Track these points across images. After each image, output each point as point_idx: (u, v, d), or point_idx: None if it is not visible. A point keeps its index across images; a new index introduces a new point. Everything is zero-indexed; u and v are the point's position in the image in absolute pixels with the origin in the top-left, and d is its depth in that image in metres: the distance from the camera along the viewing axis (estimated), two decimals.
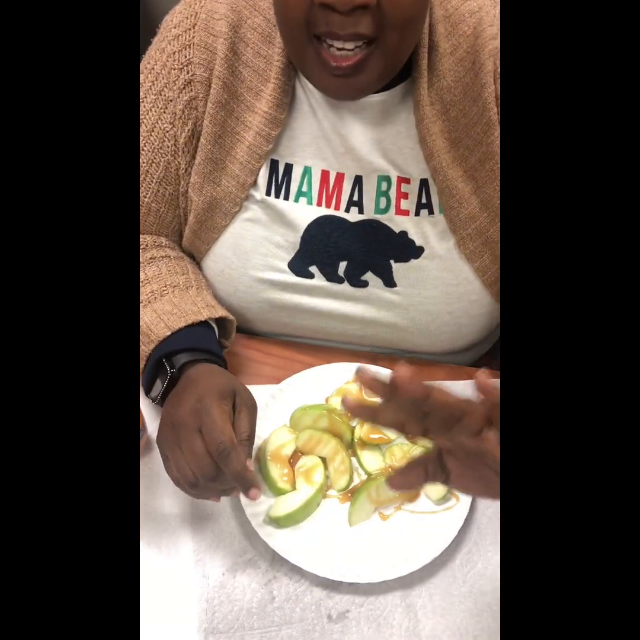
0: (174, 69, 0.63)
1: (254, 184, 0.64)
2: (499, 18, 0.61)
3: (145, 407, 0.63)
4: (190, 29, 0.63)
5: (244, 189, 0.64)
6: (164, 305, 0.63)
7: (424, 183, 0.64)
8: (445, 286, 0.66)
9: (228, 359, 0.65)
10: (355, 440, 0.62)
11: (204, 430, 0.52)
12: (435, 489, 0.59)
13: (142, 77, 0.66)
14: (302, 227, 0.65)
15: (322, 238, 0.65)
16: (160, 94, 0.65)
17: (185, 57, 0.63)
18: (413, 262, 0.65)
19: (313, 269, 0.66)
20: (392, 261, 0.65)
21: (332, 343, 0.73)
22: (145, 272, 0.66)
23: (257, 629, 0.53)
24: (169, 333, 0.61)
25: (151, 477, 0.60)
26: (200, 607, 0.54)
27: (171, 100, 0.64)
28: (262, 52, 0.62)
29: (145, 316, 0.62)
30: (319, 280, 0.67)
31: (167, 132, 0.65)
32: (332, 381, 0.67)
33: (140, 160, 0.66)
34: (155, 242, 0.70)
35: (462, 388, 0.67)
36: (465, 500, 0.58)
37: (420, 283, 0.66)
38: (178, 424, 0.54)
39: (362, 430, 0.62)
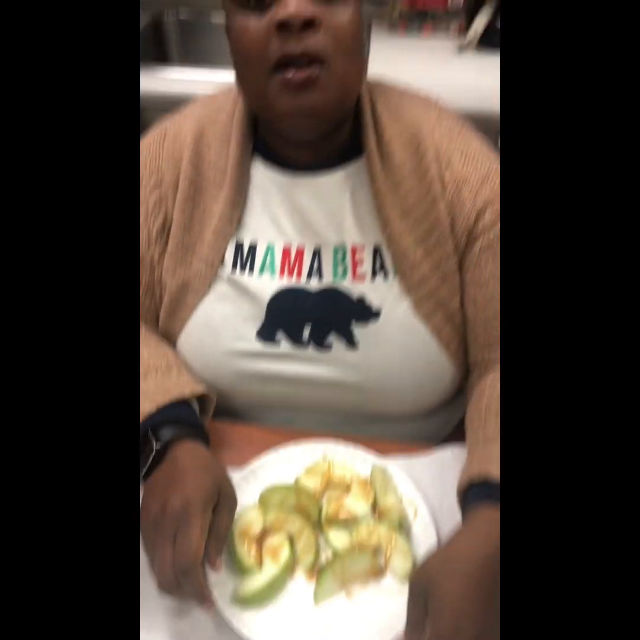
0: (145, 175, 0.72)
1: (221, 263, 0.70)
2: (433, 115, 0.71)
3: None
4: (160, 143, 0.73)
5: (212, 268, 0.70)
6: (148, 386, 0.66)
7: (377, 250, 0.70)
8: (404, 347, 0.70)
9: (211, 449, 0.66)
10: (323, 518, 0.63)
11: (177, 542, 0.53)
12: (401, 566, 0.60)
13: None
14: (267, 298, 0.70)
15: (287, 306, 0.70)
16: None
17: (156, 165, 0.72)
18: (372, 324, 0.69)
19: (279, 335, 0.71)
20: (352, 324, 0.70)
21: (300, 413, 0.75)
22: None
23: None
24: (154, 407, 0.63)
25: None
26: None
27: (143, 201, 0.72)
28: (221, 152, 0.70)
29: None
30: (285, 346, 0.71)
31: (141, 228, 0.73)
32: (301, 461, 0.69)
33: None
34: None
35: (422, 463, 0.70)
36: None
37: (380, 344, 0.70)
38: (157, 525, 0.55)
39: (329, 508, 0.64)
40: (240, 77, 0.62)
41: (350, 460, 0.69)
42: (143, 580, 0.55)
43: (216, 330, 0.71)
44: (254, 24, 0.57)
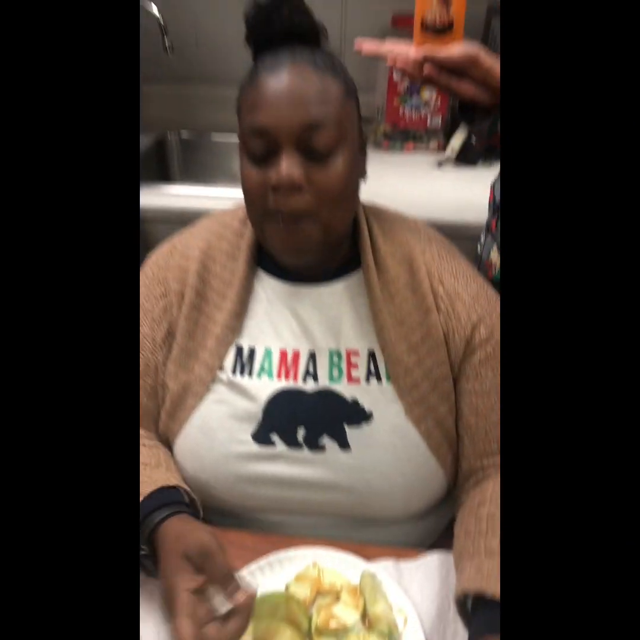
0: (153, 285, 0.78)
1: (221, 368, 0.74)
2: (424, 237, 0.78)
3: None
4: (168, 256, 0.80)
5: (212, 372, 0.74)
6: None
7: (371, 354, 0.74)
8: (395, 449, 0.72)
9: None
10: (313, 628, 0.64)
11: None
12: None
13: None
14: (264, 400, 0.73)
15: (282, 408, 0.73)
16: (141, 307, 0.78)
17: (163, 276, 0.78)
18: (364, 426, 0.72)
19: (274, 437, 0.73)
20: (345, 426, 0.72)
21: (294, 516, 0.76)
22: None
23: None
24: (141, 499, 0.65)
25: None
26: None
27: (149, 310, 0.78)
28: (227, 266, 0.76)
29: None
30: (280, 447, 0.73)
31: (146, 335, 0.77)
32: (291, 568, 0.70)
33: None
34: None
35: (410, 568, 0.71)
36: None
37: (372, 446, 0.72)
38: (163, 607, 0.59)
39: (319, 618, 0.64)
40: (248, 212, 0.71)
41: (340, 566, 0.70)
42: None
43: (213, 433, 0.74)
44: (257, 176, 0.66)
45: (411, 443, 0.73)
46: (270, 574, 0.69)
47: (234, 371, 0.74)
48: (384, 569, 0.70)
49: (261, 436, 0.73)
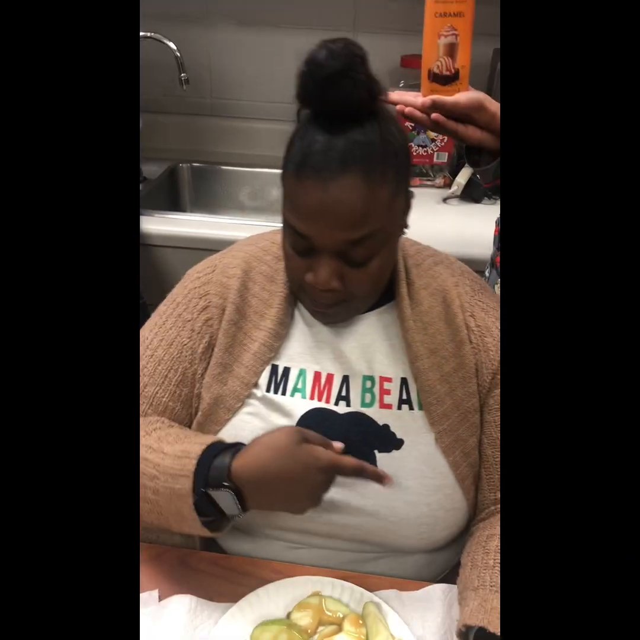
0: (194, 298, 0.80)
1: (256, 384, 0.76)
2: (457, 271, 0.80)
3: None
4: (210, 273, 0.81)
5: (247, 388, 0.75)
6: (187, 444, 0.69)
7: (404, 382, 0.75)
8: (423, 478, 0.72)
9: (204, 582, 0.70)
10: None
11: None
12: None
13: (163, 307, 0.82)
14: (297, 417, 0.74)
15: (314, 427, 0.72)
16: (180, 317, 0.79)
17: (205, 290, 0.80)
18: (395, 453, 0.72)
19: None
20: (376, 451, 0.73)
21: (316, 538, 0.75)
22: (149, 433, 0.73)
23: None
24: (199, 453, 0.66)
25: None
26: None
27: (189, 320, 0.79)
28: (266, 288, 0.79)
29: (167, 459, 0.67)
30: None
31: (185, 345, 0.78)
32: (293, 595, 0.70)
33: (160, 368, 0.78)
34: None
35: (412, 599, 0.71)
36: None
37: (401, 473, 0.72)
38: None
39: None
40: (284, 268, 0.75)
41: (343, 595, 0.70)
42: None
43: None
44: (296, 259, 0.70)
45: (439, 472, 0.73)
46: (272, 602, 0.69)
47: (268, 389, 0.76)
48: (386, 599, 0.70)
49: None
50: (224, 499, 0.65)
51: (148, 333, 0.81)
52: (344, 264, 0.67)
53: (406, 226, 0.73)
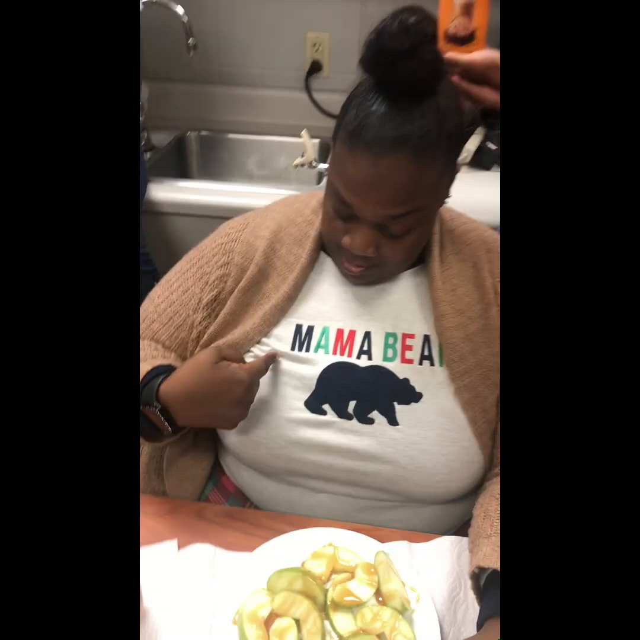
0: (218, 254, 0.83)
1: (259, 342, 0.79)
2: (489, 238, 0.82)
3: (145, 575, 0.67)
4: (241, 231, 0.84)
5: (251, 343, 0.79)
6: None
7: (426, 339, 0.77)
8: (441, 430, 0.74)
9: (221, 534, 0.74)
10: (328, 602, 0.66)
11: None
12: None
13: (192, 253, 0.86)
14: (319, 371, 0.76)
15: (336, 380, 0.76)
16: (201, 268, 0.83)
17: (230, 247, 0.83)
18: (414, 405, 0.75)
19: (326, 407, 0.76)
20: (395, 403, 0.75)
21: (335, 485, 0.77)
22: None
23: None
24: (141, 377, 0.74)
25: None
26: None
27: (207, 273, 0.83)
28: (293, 251, 0.80)
29: None
30: (331, 417, 0.75)
31: (195, 294, 0.83)
32: (308, 546, 0.72)
33: (168, 309, 0.83)
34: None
35: (423, 550, 0.73)
36: None
37: (420, 424, 0.74)
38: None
39: (334, 592, 0.66)
40: (321, 225, 0.77)
41: (355, 546, 0.72)
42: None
43: (267, 397, 0.77)
44: (335, 222, 0.72)
45: (457, 425, 0.75)
46: (288, 551, 0.71)
47: (293, 347, 0.78)
48: (397, 549, 0.72)
49: (313, 405, 0.75)
50: (155, 416, 0.73)
51: (172, 275, 0.87)
52: (381, 235, 0.69)
53: (448, 196, 0.74)
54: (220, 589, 0.68)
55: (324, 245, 0.80)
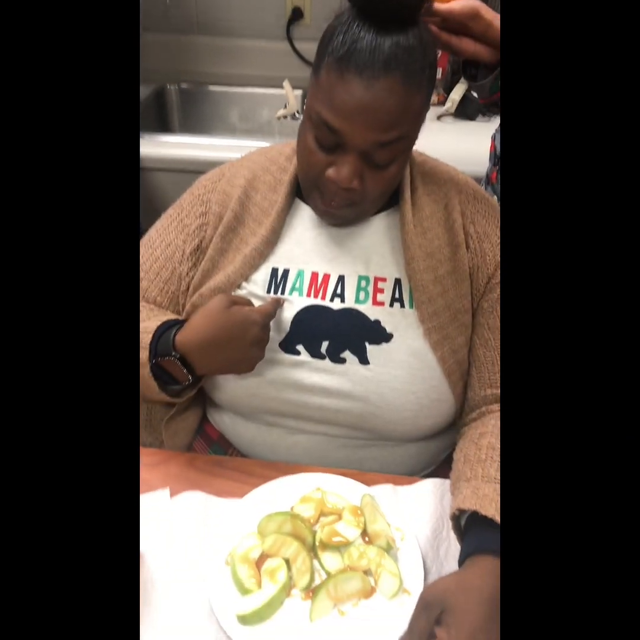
0: (196, 205, 0.85)
1: (240, 286, 0.80)
2: (462, 180, 0.83)
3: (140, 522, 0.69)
4: (216, 181, 0.86)
5: (232, 287, 0.81)
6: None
7: (397, 282, 0.79)
8: (411, 369, 0.77)
9: (212, 482, 0.76)
10: (317, 543, 0.69)
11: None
12: (389, 585, 0.65)
13: (171, 210, 0.88)
14: (293, 314, 0.78)
15: (309, 321, 0.78)
16: (181, 221, 0.85)
17: (207, 198, 0.85)
18: (384, 345, 0.77)
19: (299, 347, 0.78)
20: (366, 343, 0.77)
21: (310, 423, 0.80)
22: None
23: None
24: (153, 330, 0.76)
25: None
26: None
27: (187, 225, 0.84)
28: (267, 197, 0.82)
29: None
30: (304, 357, 0.78)
31: (178, 246, 0.84)
32: (296, 491, 0.74)
33: (154, 265, 0.85)
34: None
35: (407, 492, 0.76)
36: (415, 595, 0.64)
37: (390, 363, 0.77)
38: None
39: (322, 533, 0.69)
40: (298, 165, 0.76)
41: (342, 490, 0.75)
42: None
43: None
44: (317, 154, 0.70)
45: (427, 365, 0.77)
46: (276, 497, 0.74)
47: (268, 290, 0.80)
48: (382, 492, 0.75)
49: (287, 345, 0.78)
50: (173, 366, 0.74)
51: (154, 233, 0.88)
52: (366, 166, 0.69)
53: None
54: (213, 534, 0.70)
55: (298, 191, 0.81)
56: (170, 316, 0.81)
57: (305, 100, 0.73)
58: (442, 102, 1.59)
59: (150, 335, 0.76)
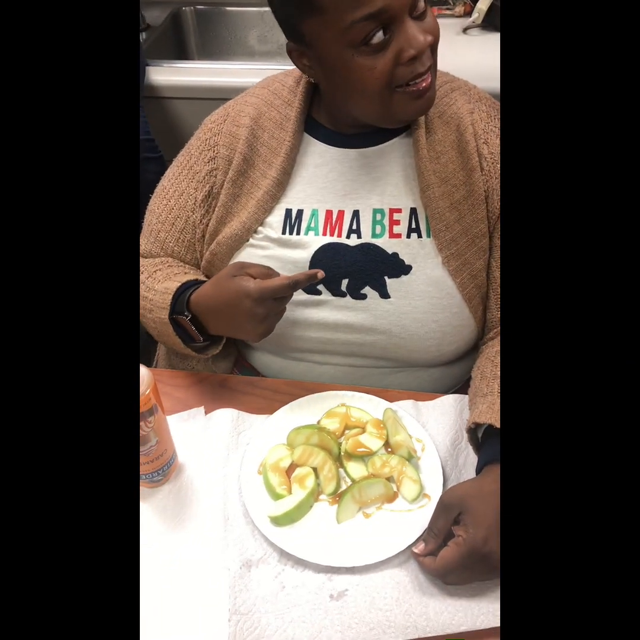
0: (205, 150, 0.84)
1: (256, 231, 0.81)
2: (474, 97, 0.81)
3: (178, 437, 0.75)
4: (221, 123, 0.85)
5: (249, 233, 0.81)
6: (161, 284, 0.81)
7: (413, 212, 0.79)
8: (431, 298, 0.78)
9: (243, 400, 0.81)
10: (342, 453, 0.73)
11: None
12: (410, 491, 0.70)
13: (180, 158, 0.87)
14: (311, 254, 0.80)
15: (327, 260, 0.79)
16: (191, 168, 0.85)
17: (214, 141, 0.84)
18: (403, 277, 0.78)
19: (320, 287, 0.80)
20: (386, 277, 0.78)
21: (336, 357, 0.83)
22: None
23: (271, 612, 0.61)
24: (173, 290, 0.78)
25: (180, 497, 0.72)
26: (224, 592, 0.63)
27: (197, 172, 0.84)
28: (275, 136, 0.81)
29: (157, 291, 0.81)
30: (325, 296, 0.80)
31: (190, 195, 0.85)
32: (322, 406, 0.79)
33: (168, 216, 0.86)
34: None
35: (428, 406, 0.79)
36: (435, 499, 0.69)
37: (410, 295, 0.78)
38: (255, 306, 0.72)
39: (347, 444, 0.73)
40: (358, 101, 0.72)
41: (365, 406, 0.79)
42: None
43: None
44: (378, 62, 0.66)
45: (447, 293, 0.79)
46: (305, 411, 0.79)
47: (283, 231, 0.80)
48: (404, 408, 0.79)
49: (308, 286, 0.78)
50: (187, 324, 0.77)
51: (166, 182, 0.88)
52: (415, 25, 0.67)
53: None
54: (245, 446, 0.75)
55: (306, 126, 0.80)
56: (191, 277, 0.82)
57: (318, 51, 0.68)
58: (468, 13, 1.52)
59: (170, 296, 0.78)
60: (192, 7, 1.75)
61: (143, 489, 0.72)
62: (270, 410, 0.79)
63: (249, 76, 1.40)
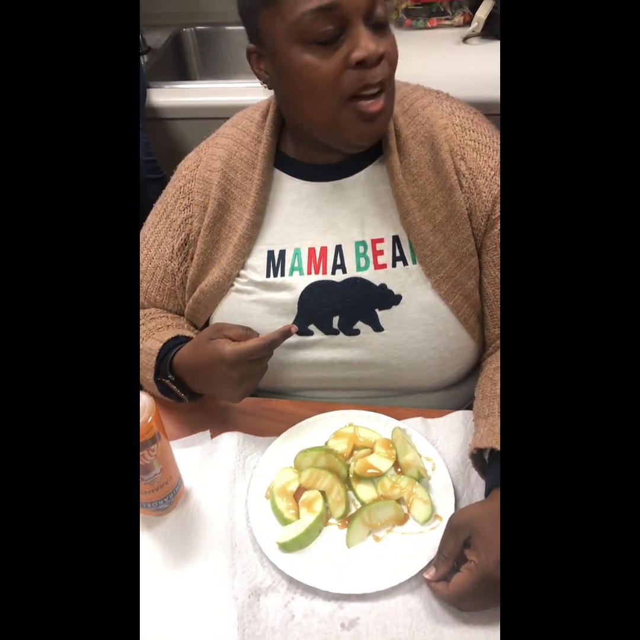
0: (179, 198, 0.83)
1: (239, 275, 0.80)
2: (446, 111, 0.78)
3: (184, 462, 0.74)
4: (194, 169, 0.83)
5: (230, 279, 0.80)
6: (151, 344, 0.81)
7: (395, 239, 0.77)
8: (426, 325, 0.77)
9: (249, 422, 0.80)
10: (351, 475, 0.72)
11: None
12: (421, 512, 0.68)
13: (159, 206, 0.86)
14: (298, 295, 0.78)
15: (315, 299, 0.78)
16: (168, 217, 0.85)
17: (189, 188, 0.83)
18: (395, 308, 0.76)
19: (311, 327, 0.79)
20: (376, 310, 0.77)
21: (337, 392, 0.82)
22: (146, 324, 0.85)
23: None
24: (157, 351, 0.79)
25: (187, 524, 0.71)
26: (232, 623, 0.61)
27: (174, 220, 0.84)
28: (247, 176, 0.79)
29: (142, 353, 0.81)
30: (318, 335, 0.79)
31: (168, 243, 0.84)
32: (330, 427, 0.77)
33: (149, 265, 0.86)
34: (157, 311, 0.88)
35: (437, 424, 0.77)
36: (447, 519, 0.67)
37: (404, 325, 0.76)
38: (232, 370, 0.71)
39: (356, 466, 0.72)
40: (305, 109, 0.69)
41: (373, 425, 0.77)
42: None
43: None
44: (326, 62, 0.65)
45: (441, 318, 0.77)
46: (312, 433, 0.77)
47: (268, 274, 0.79)
48: (413, 425, 0.77)
49: (299, 327, 0.76)
50: (171, 387, 0.78)
51: (146, 231, 0.88)
52: (372, 33, 0.65)
53: None
54: (252, 470, 0.74)
55: (276, 161, 0.79)
56: (171, 333, 0.81)
57: (270, 47, 0.67)
58: (467, 23, 1.51)
59: (154, 358, 0.78)
60: (192, 28, 1.76)
61: (149, 518, 0.70)
62: (277, 432, 0.78)
63: (250, 94, 1.40)
